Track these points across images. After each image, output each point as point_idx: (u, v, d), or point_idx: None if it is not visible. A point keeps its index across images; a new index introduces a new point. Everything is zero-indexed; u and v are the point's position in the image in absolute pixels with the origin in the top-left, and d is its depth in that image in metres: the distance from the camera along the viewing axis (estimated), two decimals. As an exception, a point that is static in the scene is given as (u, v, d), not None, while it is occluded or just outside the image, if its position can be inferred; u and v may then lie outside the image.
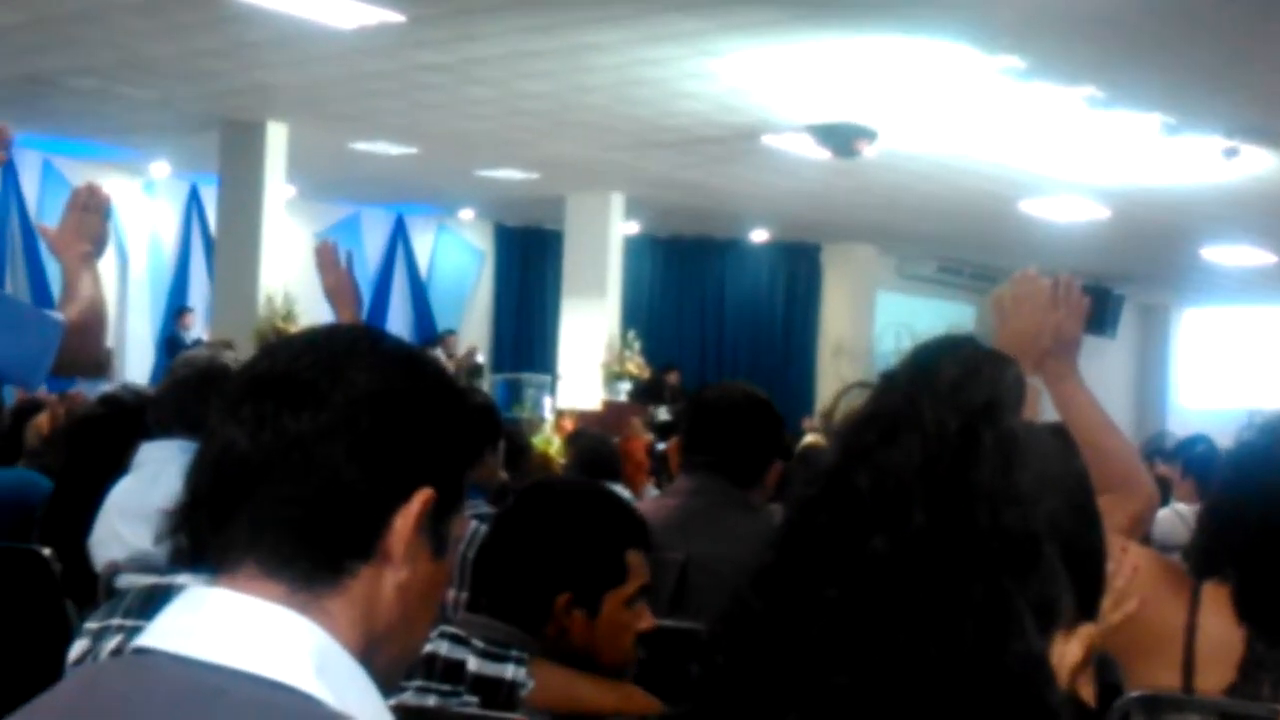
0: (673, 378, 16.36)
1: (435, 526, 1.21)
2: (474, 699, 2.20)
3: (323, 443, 1.16)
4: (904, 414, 1.01)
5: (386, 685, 1.20)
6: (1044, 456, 1.06)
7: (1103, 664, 2.34)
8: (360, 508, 1.17)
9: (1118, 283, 19.83)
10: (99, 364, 3.10)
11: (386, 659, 1.20)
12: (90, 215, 3.11)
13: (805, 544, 1.00)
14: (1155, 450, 8.42)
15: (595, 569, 2.36)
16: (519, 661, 2.23)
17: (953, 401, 1.01)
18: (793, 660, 0.96)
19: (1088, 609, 1.05)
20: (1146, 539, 3.12)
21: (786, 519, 1.04)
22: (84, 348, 2.89)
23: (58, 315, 2.88)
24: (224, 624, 1.13)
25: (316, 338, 1.25)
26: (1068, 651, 1.02)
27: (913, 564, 0.95)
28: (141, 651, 1.14)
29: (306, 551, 1.16)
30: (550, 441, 9.92)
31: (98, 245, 3.12)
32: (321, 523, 1.16)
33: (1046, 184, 14.03)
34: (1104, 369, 18.61)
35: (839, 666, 0.94)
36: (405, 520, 1.18)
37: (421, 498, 1.19)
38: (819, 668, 0.94)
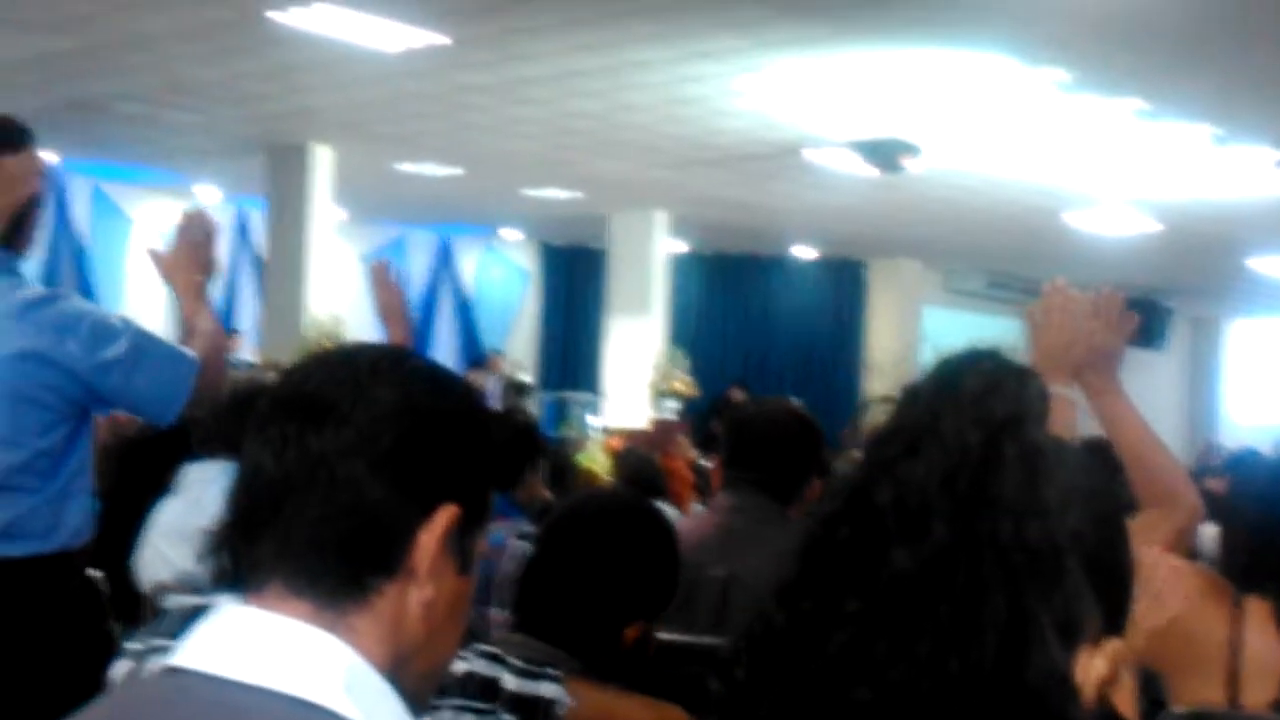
0: (737, 394, 16.21)
1: (460, 543, 1.22)
2: (511, 718, 2.19)
3: (345, 460, 1.17)
4: (926, 427, 1.01)
5: (416, 703, 1.20)
6: (1070, 470, 1.05)
7: (1148, 680, 2.32)
8: (384, 525, 1.18)
9: (1167, 295, 19.65)
10: (220, 397, 3.10)
11: (414, 676, 1.20)
12: (201, 243, 3.11)
13: (827, 558, 0.99)
14: (1204, 469, 8.34)
15: (667, 597, 2.36)
16: (556, 680, 2.22)
17: (975, 414, 1.00)
18: (814, 674, 0.95)
19: (1114, 624, 1.04)
20: (1192, 553, 3.09)
21: (808, 533, 1.03)
22: (208, 383, 2.92)
23: (192, 353, 2.90)
24: (252, 643, 1.13)
25: (340, 357, 1.26)
26: (1093, 667, 1.01)
27: (934, 577, 0.94)
28: (173, 671, 1.15)
29: (332, 569, 1.17)
30: (594, 459, 9.91)
31: (209, 273, 3.12)
32: (346, 540, 1.17)
33: (1094, 197, 13.94)
34: (1154, 383, 18.46)
35: (860, 680, 0.93)
36: (430, 537, 1.18)
37: (446, 514, 1.19)
38: (840, 681, 0.94)
